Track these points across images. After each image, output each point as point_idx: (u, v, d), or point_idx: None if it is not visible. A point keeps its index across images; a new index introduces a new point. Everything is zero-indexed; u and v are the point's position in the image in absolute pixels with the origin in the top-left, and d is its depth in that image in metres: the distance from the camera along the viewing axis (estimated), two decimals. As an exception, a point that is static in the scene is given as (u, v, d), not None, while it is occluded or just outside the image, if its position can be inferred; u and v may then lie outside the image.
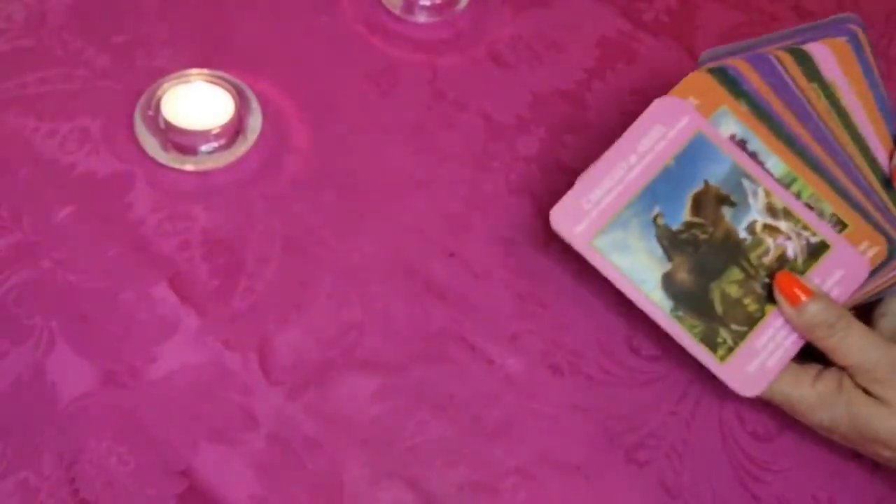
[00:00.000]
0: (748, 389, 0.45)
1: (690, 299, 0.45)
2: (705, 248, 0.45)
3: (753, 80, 0.47)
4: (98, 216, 0.52)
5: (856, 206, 0.47)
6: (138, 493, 0.45)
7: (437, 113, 0.59)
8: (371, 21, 0.62)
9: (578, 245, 0.45)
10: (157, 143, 0.54)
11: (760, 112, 0.47)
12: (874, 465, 0.49)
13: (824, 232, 0.46)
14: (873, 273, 0.47)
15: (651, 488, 0.48)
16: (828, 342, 0.44)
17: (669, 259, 0.45)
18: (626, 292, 0.45)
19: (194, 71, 0.56)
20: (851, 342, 0.43)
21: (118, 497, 0.45)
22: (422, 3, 0.62)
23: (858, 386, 0.44)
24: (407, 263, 0.53)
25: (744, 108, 0.47)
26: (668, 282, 0.45)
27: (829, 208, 0.47)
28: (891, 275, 0.47)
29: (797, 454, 0.49)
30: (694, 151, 0.46)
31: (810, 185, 0.47)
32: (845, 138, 0.48)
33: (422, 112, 0.58)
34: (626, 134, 0.46)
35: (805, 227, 0.46)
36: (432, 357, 0.50)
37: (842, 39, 0.49)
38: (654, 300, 0.45)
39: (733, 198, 0.46)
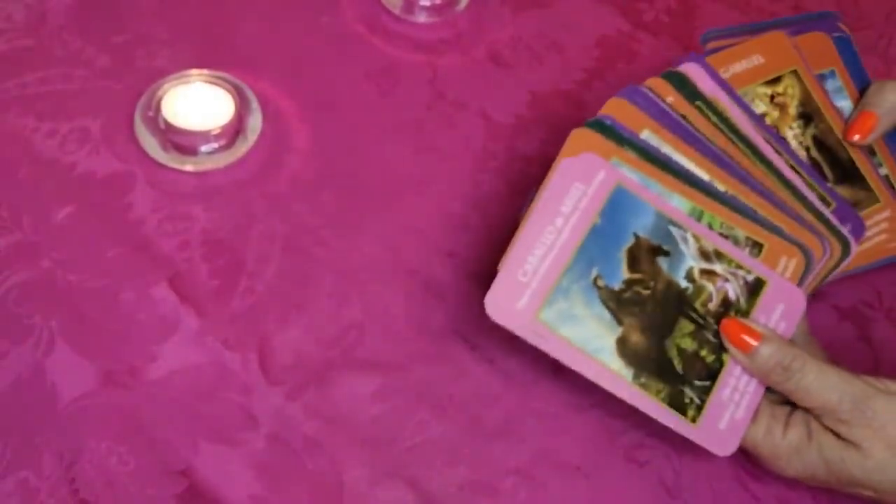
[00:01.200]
0: (724, 448, 0.43)
1: (649, 362, 0.44)
2: (651, 305, 0.44)
3: (633, 116, 0.47)
4: (98, 216, 0.52)
5: (765, 223, 0.47)
6: (138, 493, 0.45)
7: (437, 113, 0.59)
8: (371, 21, 0.62)
9: (524, 323, 0.43)
10: (157, 143, 0.54)
11: (648, 154, 0.46)
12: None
13: (757, 268, 0.46)
14: (799, 285, 0.47)
15: (651, 488, 0.48)
16: (786, 385, 0.43)
17: (619, 322, 0.44)
18: (583, 368, 0.43)
19: (194, 71, 0.56)
20: (808, 384, 0.42)
21: (118, 497, 0.44)
22: (422, 3, 0.62)
23: (827, 429, 0.43)
24: (407, 263, 0.53)
25: (632, 154, 0.46)
26: (623, 347, 0.44)
27: (741, 233, 0.46)
28: (810, 278, 0.47)
29: (797, 454, 0.49)
30: (618, 205, 0.45)
31: (717, 214, 0.46)
32: (737, 152, 0.48)
33: (422, 112, 0.58)
34: (543, 198, 0.44)
35: (739, 266, 0.45)
36: (432, 357, 0.50)
37: (697, 64, 0.49)
38: (614, 369, 0.43)
39: (665, 247, 0.45)
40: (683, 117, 0.48)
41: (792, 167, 0.49)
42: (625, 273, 0.44)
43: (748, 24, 0.55)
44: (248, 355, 0.49)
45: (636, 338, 0.44)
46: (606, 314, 0.44)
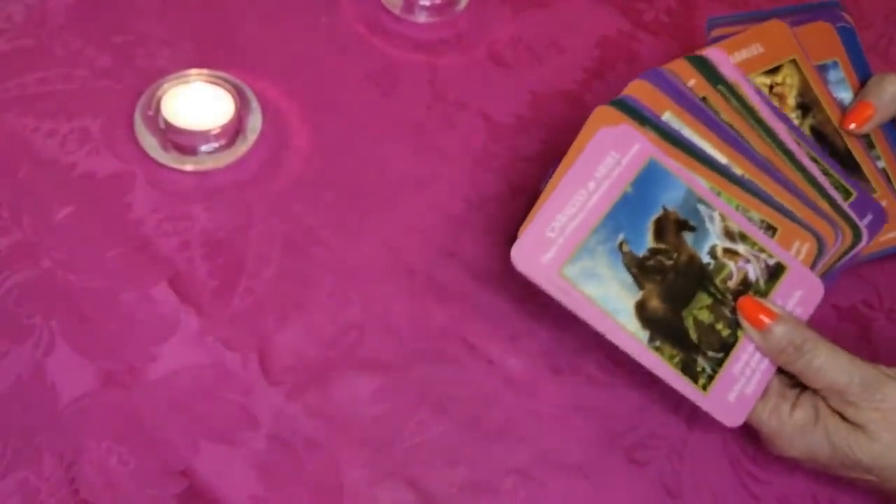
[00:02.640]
0: (731, 419, 0.44)
1: (665, 328, 0.44)
2: (672, 275, 0.45)
3: (655, 98, 0.48)
4: (98, 216, 0.52)
5: (780, 208, 0.47)
6: (138, 493, 0.45)
7: (437, 113, 0.59)
8: (371, 21, 0.62)
9: (547, 276, 0.44)
10: (157, 143, 0.54)
11: (668, 135, 0.47)
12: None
13: (779, 254, 0.46)
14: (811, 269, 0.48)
15: (651, 488, 0.48)
16: (796, 366, 0.43)
17: (640, 287, 0.45)
18: (601, 326, 0.44)
19: (194, 71, 0.56)
20: (819, 365, 0.43)
21: (118, 497, 0.44)
22: (422, 3, 0.62)
23: (834, 411, 0.43)
24: (407, 263, 0.53)
25: (653, 135, 0.47)
26: (641, 310, 0.44)
27: (756, 215, 0.47)
28: (821, 264, 0.48)
29: (797, 454, 0.49)
30: (649, 177, 0.46)
31: (734, 196, 0.47)
32: (755, 137, 0.49)
33: (422, 112, 0.58)
34: (579, 161, 0.45)
35: (762, 250, 0.46)
36: (432, 357, 0.50)
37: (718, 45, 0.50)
38: (630, 331, 0.44)
39: (692, 222, 0.46)
40: (704, 100, 0.48)
41: (813, 158, 0.50)
42: (650, 242, 0.45)
43: (753, 11, 0.56)
44: (248, 355, 0.49)
45: (655, 303, 0.45)
46: (628, 277, 0.45)
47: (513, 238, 0.45)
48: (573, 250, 0.44)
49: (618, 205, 0.45)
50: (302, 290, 0.51)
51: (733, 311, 0.45)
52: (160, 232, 0.52)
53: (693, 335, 0.45)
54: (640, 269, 0.45)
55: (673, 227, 0.46)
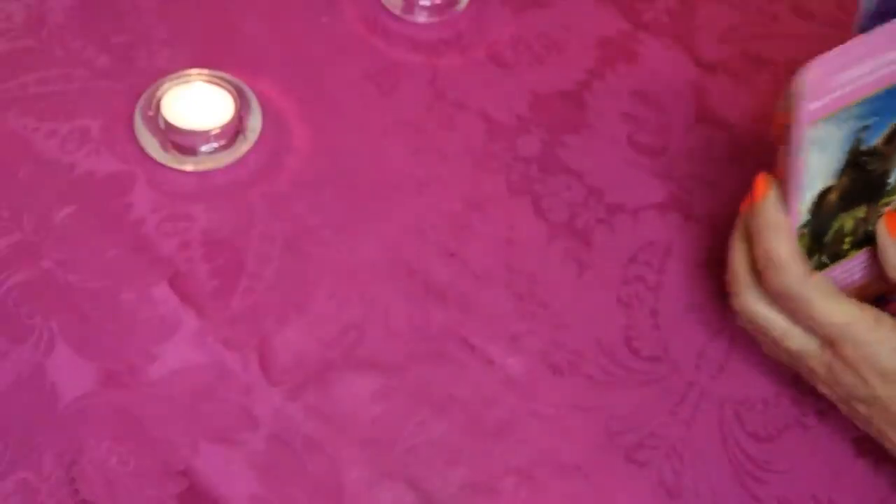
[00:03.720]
0: None
1: (819, 222, 0.43)
2: (864, 181, 0.43)
3: None
4: (98, 216, 0.52)
5: None
6: (138, 493, 0.45)
7: (437, 113, 0.59)
8: (371, 21, 0.62)
9: (802, 121, 0.39)
10: (157, 143, 0.54)
11: None
12: (875, 464, 0.49)
13: None
14: None
15: (651, 488, 0.48)
16: None
17: (838, 177, 0.42)
18: (790, 190, 0.41)
19: (194, 71, 0.56)
20: None
21: (118, 497, 0.44)
22: (422, 3, 0.62)
23: None
24: (407, 263, 0.53)
25: None
26: (821, 198, 0.43)
27: None
28: None
29: (797, 454, 0.49)
30: None
31: None
32: None
33: (422, 112, 0.58)
34: None
35: None
36: (432, 357, 0.50)
37: None
38: (799, 210, 0.42)
39: None
40: None
41: None
42: (879, 141, 0.43)
43: None
44: (248, 355, 0.49)
45: (833, 197, 0.43)
46: (840, 164, 0.42)
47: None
48: (834, 111, 0.40)
49: (892, 89, 0.41)
50: (302, 290, 0.51)
51: (866, 233, 0.44)
52: (160, 232, 0.52)
53: (828, 237, 0.44)
54: (852, 160, 0.42)
55: None
